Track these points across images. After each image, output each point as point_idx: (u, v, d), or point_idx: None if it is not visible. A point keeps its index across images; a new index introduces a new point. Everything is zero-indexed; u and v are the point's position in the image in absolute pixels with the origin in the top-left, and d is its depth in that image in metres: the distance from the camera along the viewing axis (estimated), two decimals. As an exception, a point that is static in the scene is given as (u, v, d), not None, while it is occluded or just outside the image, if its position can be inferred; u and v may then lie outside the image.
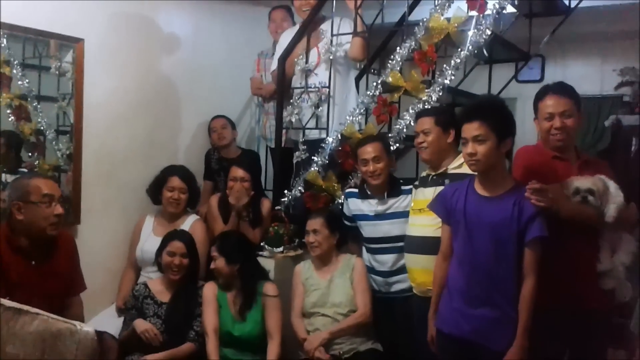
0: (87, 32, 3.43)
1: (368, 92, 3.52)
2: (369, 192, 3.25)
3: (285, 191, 3.71)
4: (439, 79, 3.28)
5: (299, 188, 3.67)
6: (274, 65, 3.91)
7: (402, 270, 3.08)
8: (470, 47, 3.19)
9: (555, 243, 2.34)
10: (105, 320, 3.34)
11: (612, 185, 2.49)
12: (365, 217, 3.24)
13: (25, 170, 3.28)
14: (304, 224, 3.30)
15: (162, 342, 3.05)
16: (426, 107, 3.26)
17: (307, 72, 3.78)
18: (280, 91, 3.85)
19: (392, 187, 3.21)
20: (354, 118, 3.55)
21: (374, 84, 3.50)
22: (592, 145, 5.53)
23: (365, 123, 3.62)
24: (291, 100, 3.81)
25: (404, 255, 3.05)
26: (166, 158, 3.87)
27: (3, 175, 3.18)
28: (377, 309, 3.15)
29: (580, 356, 2.56)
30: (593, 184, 2.46)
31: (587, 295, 2.47)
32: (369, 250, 3.26)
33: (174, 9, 4.03)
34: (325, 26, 3.78)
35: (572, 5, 3.70)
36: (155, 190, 3.60)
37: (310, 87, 3.77)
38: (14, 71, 3.21)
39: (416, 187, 3.07)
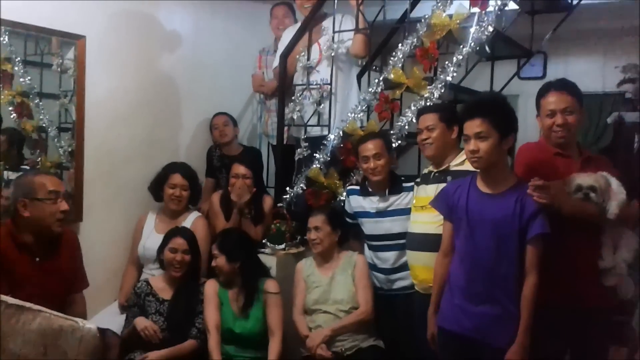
0: (88, 29, 3.44)
1: (370, 89, 3.52)
2: (370, 189, 3.25)
3: (287, 188, 3.71)
4: (441, 76, 3.28)
5: (301, 185, 3.67)
6: (276, 62, 3.91)
7: (404, 267, 3.08)
8: (472, 44, 3.19)
9: (557, 240, 2.34)
10: (107, 317, 3.34)
11: (614, 182, 2.48)
12: (367, 215, 3.24)
13: (27, 167, 3.29)
14: (306, 221, 3.30)
15: (162, 340, 3.05)
16: (428, 104, 3.25)
17: (308, 69, 3.78)
18: (282, 88, 3.85)
19: (394, 184, 3.21)
20: (356, 115, 3.55)
21: (376, 80, 3.50)
22: (594, 142, 5.51)
23: (367, 120, 3.62)
24: (293, 97, 3.81)
25: (406, 252, 3.05)
26: (168, 155, 3.88)
27: (5, 172, 3.18)
28: (378, 306, 3.15)
29: (581, 354, 2.55)
30: (595, 180, 2.45)
31: (588, 293, 2.46)
32: (371, 248, 3.26)
33: (175, 6, 4.03)
34: (327, 23, 3.78)
35: (574, 2, 3.69)
36: (157, 187, 3.60)
37: (312, 84, 3.77)
38: (16, 68, 3.22)
39: (418, 184, 3.06)
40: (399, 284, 3.15)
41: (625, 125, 5.27)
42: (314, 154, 3.64)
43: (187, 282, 3.21)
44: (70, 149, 3.45)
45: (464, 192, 2.50)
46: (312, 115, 3.76)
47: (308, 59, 3.78)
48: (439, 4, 3.32)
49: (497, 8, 3.16)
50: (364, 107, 3.56)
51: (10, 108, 3.22)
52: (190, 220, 3.58)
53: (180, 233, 3.27)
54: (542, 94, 2.61)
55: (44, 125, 3.36)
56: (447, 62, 3.28)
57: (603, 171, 2.52)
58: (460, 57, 3.22)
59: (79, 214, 3.46)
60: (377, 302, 3.16)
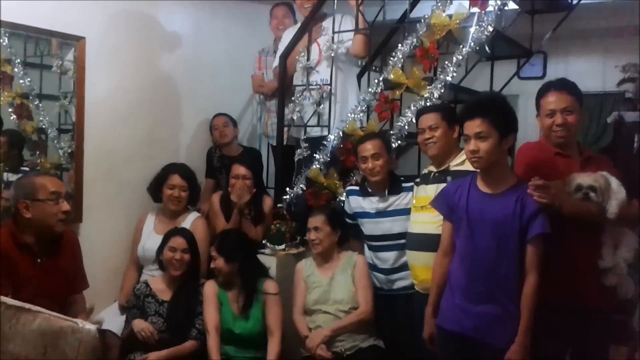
0: (88, 31, 3.44)
1: (370, 90, 3.52)
2: (370, 190, 3.25)
3: (287, 189, 3.71)
4: (441, 76, 3.28)
5: (301, 185, 3.67)
6: (276, 62, 3.91)
7: (404, 267, 3.08)
8: (472, 44, 3.19)
9: (557, 240, 2.34)
10: (107, 318, 3.34)
11: (614, 182, 2.48)
12: (367, 215, 3.24)
13: (27, 169, 3.29)
14: (306, 221, 3.30)
15: (161, 341, 3.05)
16: (428, 104, 3.25)
17: (308, 70, 3.78)
18: (282, 89, 3.85)
19: (393, 184, 3.21)
20: (356, 115, 3.55)
21: (376, 81, 3.50)
22: (594, 142, 5.52)
23: (367, 120, 3.62)
24: (292, 98, 3.81)
25: (406, 252, 3.05)
26: (167, 156, 3.88)
27: (5, 174, 3.18)
28: (378, 306, 3.15)
29: (582, 353, 2.55)
30: (595, 180, 2.45)
31: (588, 293, 2.46)
32: (371, 248, 3.26)
33: (174, 6, 4.03)
34: (326, 23, 3.78)
35: (574, 2, 3.69)
36: (156, 188, 3.61)
37: (312, 85, 3.77)
38: (16, 70, 3.22)
39: (417, 184, 3.06)
40: (399, 284, 3.15)
41: (625, 125, 5.28)
42: (314, 155, 3.64)
43: (186, 283, 3.21)
44: (70, 150, 3.45)
45: (464, 192, 2.50)
46: (312, 115, 3.76)
47: (308, 60, 3.78)
48: (439, 4, 3.32)
49: (496, 8, 3.16)
50: (363, 108, 3.56)
51: (10, 109, 3.22)
52: (190, 220, 3.58)
53: (180, 233, 3.27)
54: (541, 93, 2.61)
55: (43, 126, 3.36)
56: (446, 62, 3.27)
57: (603, 171, 2.52)
58: (460, 57, 3.22)
59: (79, 214, 3.46)
60: (377, 302, 3.16)
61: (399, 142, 3.41)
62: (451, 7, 3.32)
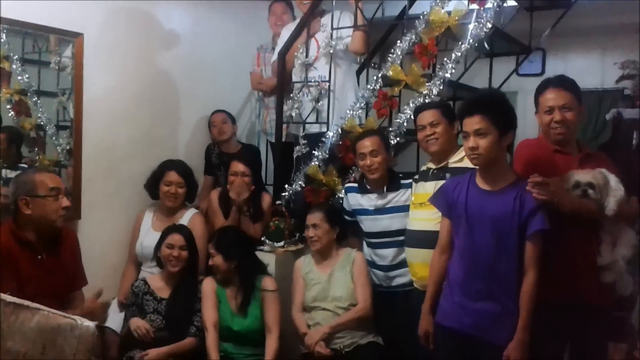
0: (86, 27, 3.42)
1: (368, 86, 3.52)
2: (368, 187, 3.25)
3: (286, 186, 3.71)
4: (440, 73, 3.28)
5: (300, 182, 3.67)
6: (274, 56, 3.91)
7: (403, 264, 3.08)
8: (471, 41, 3.18)
9: (556, 237, 2.34)
10: (107, 315, 3.34)
11: (613, 179, 2.48)
12: (365, 212, 3.24)
13: (25, 165, 3.28)
14: (305, 218, 3.30)
15: (160, 338, 3.05)
16: (427, 101, 3.25)
17: (306, 66, 3.78)
18: (281, 85, 3.85)
19: (392, 181, 3.21)
20: (355, 112, 3.55)
21: (375, 77, 3.50)
22: (593, 138, 5.52)
23: (366, 117, 3.62)
24: (291, 95, 3.80)
25: (405, 249, 3.05)
26: (166, 153, 3.87)
27: (3, 171, 3.18)
28: (377, 303, 3.16)
29: (580, 350, 2.56)
30: (593, 177, 2.45)
31: (587, 290, 2.46)
32: (369, 245, 3.26)
33: (173, 3, 4.02)
34: (325, 20, 3.78)
35: (573, -1, 3.69)
36: (153, 185, 3.60)
37: (310, 81, 3.76)
38: (14, 66, 3.21)
39: (416, 181, 3.06)
40: (397, 281, 3.15)
41: (624, 122, 5.28)
42: (313, 152, 3.64)
43: (184, 280, 3.21)
44: (68, 147, 3.44)
45: (463, 189, 2.50)
46: (311, 112, 3.76)
47: (306, 56, 3.77)
48: (438, 1, 3.31)
49: (495, 4, 3.15)
50: (362, 104, 3.56)
51: (9, 106, 3.21)
52: (188, 217, 3.57)
53: (177, 230, 3.27)
54: (540, 90, 2.61)
55: (42, 123, 3.35)
56: (445, 59, 3.27)
57: (602, 168, 2.52)
58: (459, 53, 3.22)
59: (78, 212, 3.45)
60: (376, 299, 3.16)
61: (398, 139, 3.40)
62: (450, 4, 3.31)
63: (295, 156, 3.77)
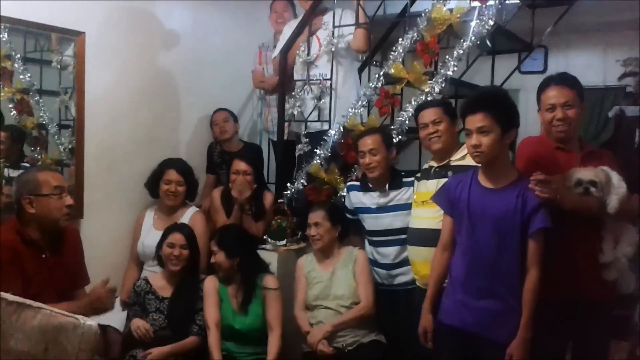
0: (87, 26, 3.42)
1: (370, 84, 3.51)
2: (370, 185, 3.25)
3: (288, 184, 3.71)
4: (442, 70, 3.27)
5: (302, 181, 3.67)
6: (276, 52, 3.92)
7: (405, 262, 3.08)
8: (472, 38, 3.18)
9: (558, 235, 2.34)
10: (109, 313, 3.33)
11: (615, 177, 2.48)
12: (367, 210, 3.24)
13: (27, 164, 3.28)
14: (307, 216, 3.30)
15: (160, 338, 3.06)
16: (429, 98, 3.25)
17: (308, 64, 3.77)
18: (282, 84, 3.84)
19: (394, 179, 3.20)
20: (356, 110, 3.54)
21: (376, 75, 3.49)
22: (595, 136, 5.51)
23: (368, 115, 3.61)
24: (293, 93, 3.80)
25: (407, 247, 3.04)
26: (168, 152, 3.87)
27: (5, 169, 3.18)
28: (380, 301, 3.16)
29: (583, 348, 2.55)
30: (595, 175, 2.45)
31: (589, 287, 2.46)
32: (371, 243, 3.26)
33: (174, 2, 4.01)
34: (327, 17, 3.77)
35: (576, -4, 3.68)
36: (153, 183, 3.61)
37: (312, 79, 3.76)
38: (16, 65, 3.21)
39: (418, 179, 3.06)
40: (400, 279, 3.15)
41: (626, 119, 5.28)
42: (315, 150, 3.64)
43: (186, 279, 3.21)
44: (70, 146, 3.44)
45: (465, 187, 2.49)
46: (313, 110, 3.76)
47: (308, 54, 3.77)
48: (439, -2, 3.31)
49: (497, 2, 3.15)
50: (364, 102, 3.55)
51: (11, 105, 3.21)
52: (188, 215, 3.58)
53: (178, 229, 3.28)
54: (542, 88, 2.61)
55: (44, 122, 3.35)
56: (447, 57, 3.27)
57: (604, 165, 2.51)
58: (461, 51, 3.22)
59: (80, 210, 3.45)
60: (378, 297, 3.16)
61: (400, 137, 3.40)
62: (452, 1, 3.30)
63: (297, 154, 3.76)
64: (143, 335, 3.04)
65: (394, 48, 3.44)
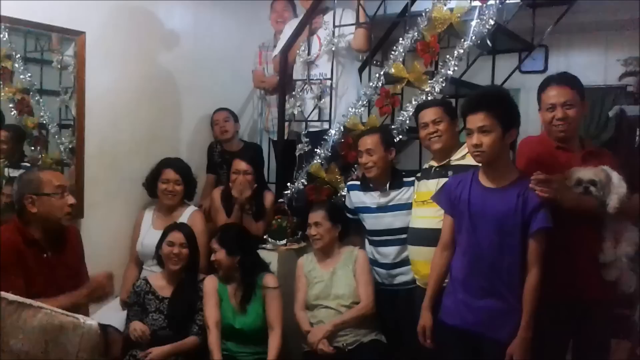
0: (88, 26, 3.42)
1: (370, 84, 3.51)
2: (371, 185, 3.24)
3: (288, 184, 3.70)
4: (442, 70, 3.27)
5: (302, 180, 3.67)
6: (276, 51, 3.92)
7: (405, 262, 3.08)
8: (473, 38, 3.17)
9: (558, 234, 2.34)
10: (109, 313, 3.34)
11: (615, 176, 2.48)
12: (368, 210, 3.24)
13: (28, 164, 3.28)
14: (307, 216, 3.30)
15: (157, 338, 3.06)
16: (429, 98, 3.24)
17: (308, 64, 3.77)
18: (283, 83, 3.84)
19: (394, 179, 3.20)
20: (357, 110, 3.54)
21: (377, 75, 3.49)
22: (595, 135, 5.51)
23: (368, 115, 3.61)
24: (293, 93, 3.80)
25: (407, 247, 3.04)
26: (168, 151, 3.87)
27: (6, 169, 3.18)
28: (380, 301, 3.15)
29: (583, 348, 2.56)
30: (595, 174, 2.45)
31: (589, 286, 2.46)
32: (372, 243, 3.26)
33: (174, 2, 4.01)
34: (327, 17, 3.77)
35: (576, -5, 3.68)
36: (151, 183, 3.62)
37: (312, 79, 3.76)
38: (16, 65, 3.21)
39: (419, 179, 3.06)
40: (400, 279, 3.15)
41: (626, 119, 5.27)
42: (315, 150, 3.64)
43: (186, 279, 3.21)
44: (70, 146, 3.44)
45: (466, 187, 2.49)
46: (313, 110, 3.76)
47: (308, 54, 3.77)
48: (440, -2, 3.31)
49: (498, 1, 3.14)
50: (364, 102, 3.55)
51: (11, 105, 3.21)
52: (187, 214, 3.58)
53: (178, 228, 3.28)
54: (542, 87, 2.61)
55: (44, 122, 3.35)
56: (448, 56, 3.26)
57: (605, 165, 2.51)
58: (462, 50, 3.21)
59: (80, 210, 3.45)
60: (379, 296, 3.16)
61: (400, 136, 3.39)
62: (452, 1, 3.30)
63: (297, 154, 3.76)
64: (139, 338, 3.04)
65: (395, 48, 3.43)
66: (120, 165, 3.70)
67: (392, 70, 3.41)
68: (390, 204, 3.17)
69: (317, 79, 3.74)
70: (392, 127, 3.40)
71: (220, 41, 4.37)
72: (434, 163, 2.98)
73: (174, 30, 4.03)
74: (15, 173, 3.10)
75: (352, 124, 3.52)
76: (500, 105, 2.37)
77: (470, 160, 2.57)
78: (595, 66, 5.59)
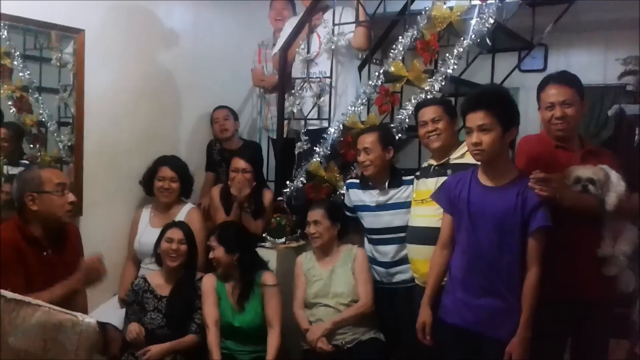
0: (87, 24, 3.42)
1: (370, 82, 3.51)
2: (370, 183, 3.24)
3: (287, 182, 3.70)
4: (442, 69, 3.26)
5: (301, 179, 3.66)
6: (275, 49, 3.92)
7: (404, 261, 3.08)
8: (473, 36, 3.17)
9: (558, 233, 2.34)
10: (108, 311, 3.35)
11: (614, 175, 2.48)
12: (367, 208, 3.24)
13: (27, 162, 3.28)
14: (306, 214, 3.30)
15: (156, 337, 3.06)
16: (428, 97, 3.24)
17: (308, 62, 3.77)
18: (282, 82, 3.84)
19: (393, 177, 3.20)
20: (356, 108, 3.54)
21: (376, 73, 3.49)
22: (595, 135, 5.50)
23: (368, 113, 3.61)
24: (292, 91, 3.80)
25: (406, 246, 3.04)
26: (168, 149, 3.86)
27: (5, 167, 3.18)
28: (379, 299, 3.16)
29: (582, 346, 2.56)
30: (594, 173, 2.45)
31: (588, 285, 2.46)
32: (371, 241, 3.26)
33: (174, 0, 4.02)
34: (327, 15, 3.76)
35: (576, -6, 3.67)
36: (148, 181, 3.62)
37: (312, 77, 3.75)
38: (15, 63, 3.21)
39: (418, 177, 3.06)
40: (399, 278, 3.15)
41: (626, 118, 5.27)
42: (314, 148, 3.63)
43: (184, 278, 3.21)
44: (70, 144, 3.44)
45: (465, 185, 2.49)
46: (312, 108, 3.75)
47: (308, 52, 3.76)
48: (440, -4, 3.31)
49: (497, 0, 3.14)
50: (364, 100, 3.54)
51: (10, 102, 3.21)
52: (184, 212, 3.59)
53: (177, 225, 3.29)
54: (542, 86, 2.61)
55: (43, 119, 3.35)
56: (447, 55, 3.26)
57: (604, 164, 2.51)
58: (461, 49, 3.21)
59: (79, 208, 3.44)
60: (378, 295, 3.16)
61: (400, 135, 3.39)
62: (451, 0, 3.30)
63: (296, 152, 3.76)
64: (133, 340, 3.03)
65: (394, 46, 3.43)
66: (120, 163, 3.70)
67: (392, 69, 3.40)
68: (389, 202, 3.17)
69: (316, 77, 3.74)
70: (392, 125, 3.40)
71: (219, 40, 4.36)
72: (433, 162, 2.98)
73: (173, 28, 4.03)
74: (14, 171, 3.10)
75: (352, 122, 3.52)
76: (499, 104, 2.37)
77: (469, 159, 2.57)
78: (594, 65, 5.59)
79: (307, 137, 3.70)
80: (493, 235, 2.37)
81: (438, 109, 2.92)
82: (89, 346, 2.01)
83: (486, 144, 2.34)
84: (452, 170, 2.81)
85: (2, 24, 3.08)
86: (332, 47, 3.66)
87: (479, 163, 2.47)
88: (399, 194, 3.16)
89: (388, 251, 3.16)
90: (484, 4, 3.15)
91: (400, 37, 3.42)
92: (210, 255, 3.17)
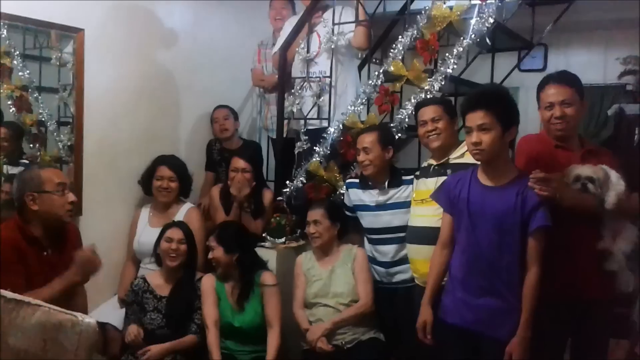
0: (87, 23, 3.42)
1: (370, 82, 3.51)
2: (369, 183, 3.24)
3: (287, 182, 3.70)
4: (441, 68, 3.26)
5: (301, 179, 3.66)
6: (275, 48, 3.91)
7: (404, 260, 3.08)
8: (472, 36, 3.17)
9: (557, 233, 2.34)
10: (107, 311, 3.35)
11: (614, 174, 2.48)
12: (366, 208, 3.24)
13: (26, 161, 3.28)
14: (306, 214, 3.30)
15: (155, 337, 3.06)
16: (428, 96, 3.24)
17: (308, 62, 3.77)
18: (282, 81, 3.84)
19: (393, 177, 3.20)
20: (356, 108, 3.54)
21: (376, 73, 3.49)
22: (595, 134, 5.50)
23: (367, 113, 3.61)
24: (292, 90, 3.80)
25: (406, 245, 3.04)
26: (168, 149, 3.86)
27: (4, 166, 3.18)
28: (379, 299, 3.16)
29: (582, 346, 2.56)
30: (593, 172, 2.45)
31: (588, 285, 2.46)
32: (370, 241, 3.25)
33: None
34: (327, 15, 3.76)
35: (576, -7, 3.67)
36: (147, 180, 3.62)
37: (312, 77, 3.75)
38: (15, 62, 3.20)
39: (417, 177, 3.06)
40: (398, 277, 3.15)
41: (626, 118, 5.27)
42: (314, 147, 3.63)
43: (184, 278, 3.21)
44: (69, 143, 3.44)
45: (465, 185, 2.49)
46: (312, 108, 3.75)
47: (308, 51, 3.76)
48: (439, -4, 3.30)
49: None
50: (363, 100, 3.54)
51: (10, 102, 3.21)
52: (183, 212, 3.59)
53: (177, 225, 3.29)
54: (541, 86, 2.61)
55: (43, 119, 3.35)
56: (447, 54, 3.26)
57: (604, 163, 2.51)
58: (461, 49, 3.20)
59: (79, 208, 3.44)
60: (377, 295, 3.16)
61: (399, 134, 3.39)
62: (451, -1, 3.31)
63: (296, 152, 3.76)
64: (132, 342, 3.03)
65: (394, 46, 3.43)
66: (119, 162, 3.69)
67: (392, 68, 3.40)
68: (389, 202, 3.17)
69: (316, 77, 3.74)
70: (391, 125, 3.40)
71: (219, 40, 4.36)
72: (432, 161, 2.98)
73: (173, 28, 4.02)
74: (13, 170, 3.10)
75: (351, 122, 3.52)
76: (499, 104, 2.37)
77: (469, 159, 2.57)
78: (594, 65, 5.59)
79: (306, 137, 3.70)
80: (493, 235, 2.37)
81: (438, 108, 2.92)
82: (88, 346, 2.00)
83: (486, 143, 2.33)
84: (452, 170, 2.81)
85: (1, 23, 3.08)
86: (332, 47, 3.66)
87: (479, 163, 2.46)
88: (398, 194, 3.16)
89: (388, 251, 3.15)
90: (483, 3, 3.14)
91: (400, 37, 3.42)
92: (210, 255, 3.17)
